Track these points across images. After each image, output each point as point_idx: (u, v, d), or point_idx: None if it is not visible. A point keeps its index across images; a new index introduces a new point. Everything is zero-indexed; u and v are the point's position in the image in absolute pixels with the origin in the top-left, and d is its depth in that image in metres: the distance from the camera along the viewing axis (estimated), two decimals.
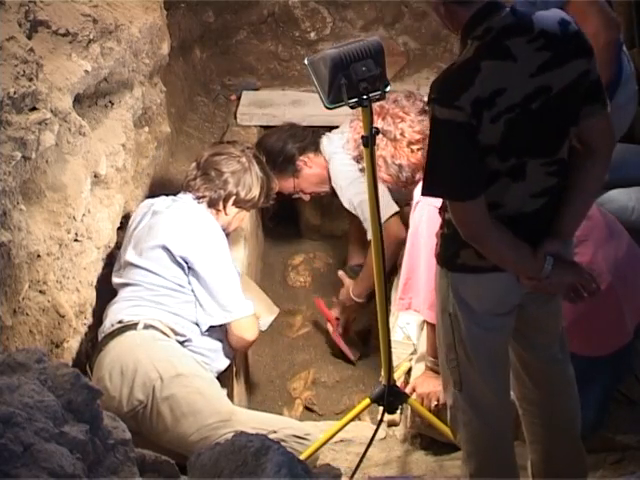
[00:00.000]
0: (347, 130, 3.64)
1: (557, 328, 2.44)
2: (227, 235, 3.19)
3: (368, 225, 3.55)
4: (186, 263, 2.92)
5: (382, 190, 2.95)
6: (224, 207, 3.16)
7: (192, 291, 2.94)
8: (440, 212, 2.30)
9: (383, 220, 3.05)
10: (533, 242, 2.21)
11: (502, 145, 2.10)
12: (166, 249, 2.91)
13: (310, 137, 3.92)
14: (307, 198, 4.06)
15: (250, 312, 3.01)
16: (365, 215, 3.51)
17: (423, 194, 2.24)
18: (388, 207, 3.49)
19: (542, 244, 2.21)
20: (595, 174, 2.23)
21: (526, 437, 2.57)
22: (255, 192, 3.20)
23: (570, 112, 2.16)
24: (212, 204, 3.14)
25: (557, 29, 2.11)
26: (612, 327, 2.75)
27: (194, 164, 3.21)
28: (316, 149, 3.88)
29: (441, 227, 2.31)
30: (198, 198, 3.12)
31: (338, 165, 3.70)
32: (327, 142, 3.84)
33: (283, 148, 3.88)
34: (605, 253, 2.70)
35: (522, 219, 2.20)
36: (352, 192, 3.59)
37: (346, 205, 3.70)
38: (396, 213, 3.53)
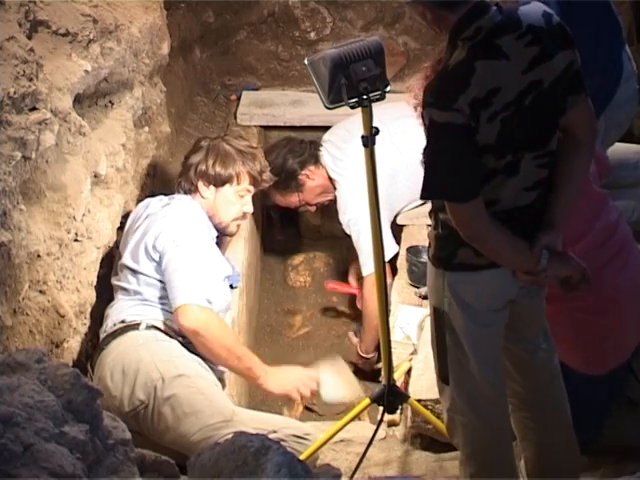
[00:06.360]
0: (345, 132, 3.64)
1: (543, 320, 2.46)
2: (226, 227, 3.19)
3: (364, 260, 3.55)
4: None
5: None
6: (197, 187, 3.15)
7: None
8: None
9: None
10: (528, 235, 2.22)
11: (498, 144, 2.10)
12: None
13: (308, 149, 3.89)
14: (313, 209, 4.05)
15: (197, 302, 2.76)
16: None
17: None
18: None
19: (538, 238, 2.22)
20: (580, 164, 2.25)
21: (517, 435, 2.57)
22: (222, 166, 3.15)
23: (558, 103, 2.18)
24: (187, 189, 3.16)
25: (542, 22, 2.12)
26: (612, 346, 2.70)
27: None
28: (316, 161, 3.87)
29: (434, 228, 2.29)
30: (179, 190, 3.18)
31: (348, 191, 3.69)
32: (331, 161, 3.81)
33: (284, 165, 3.85)
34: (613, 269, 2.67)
35: (517, 213, 2.21)
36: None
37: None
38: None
